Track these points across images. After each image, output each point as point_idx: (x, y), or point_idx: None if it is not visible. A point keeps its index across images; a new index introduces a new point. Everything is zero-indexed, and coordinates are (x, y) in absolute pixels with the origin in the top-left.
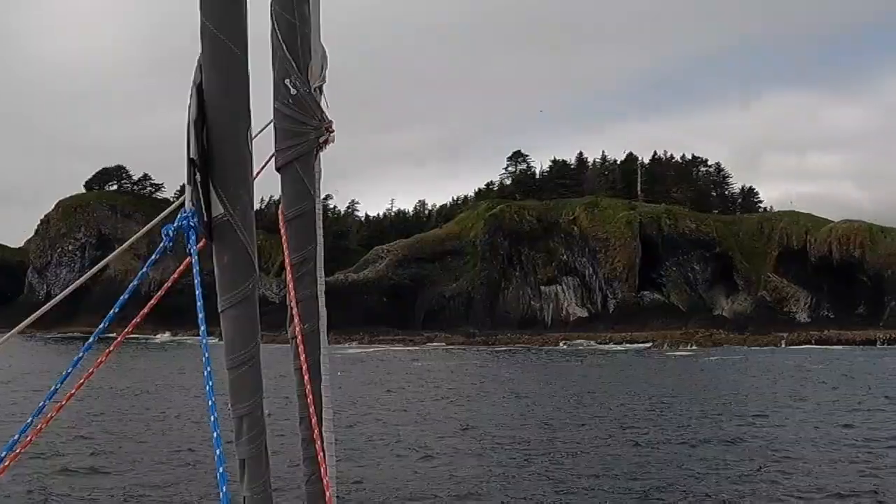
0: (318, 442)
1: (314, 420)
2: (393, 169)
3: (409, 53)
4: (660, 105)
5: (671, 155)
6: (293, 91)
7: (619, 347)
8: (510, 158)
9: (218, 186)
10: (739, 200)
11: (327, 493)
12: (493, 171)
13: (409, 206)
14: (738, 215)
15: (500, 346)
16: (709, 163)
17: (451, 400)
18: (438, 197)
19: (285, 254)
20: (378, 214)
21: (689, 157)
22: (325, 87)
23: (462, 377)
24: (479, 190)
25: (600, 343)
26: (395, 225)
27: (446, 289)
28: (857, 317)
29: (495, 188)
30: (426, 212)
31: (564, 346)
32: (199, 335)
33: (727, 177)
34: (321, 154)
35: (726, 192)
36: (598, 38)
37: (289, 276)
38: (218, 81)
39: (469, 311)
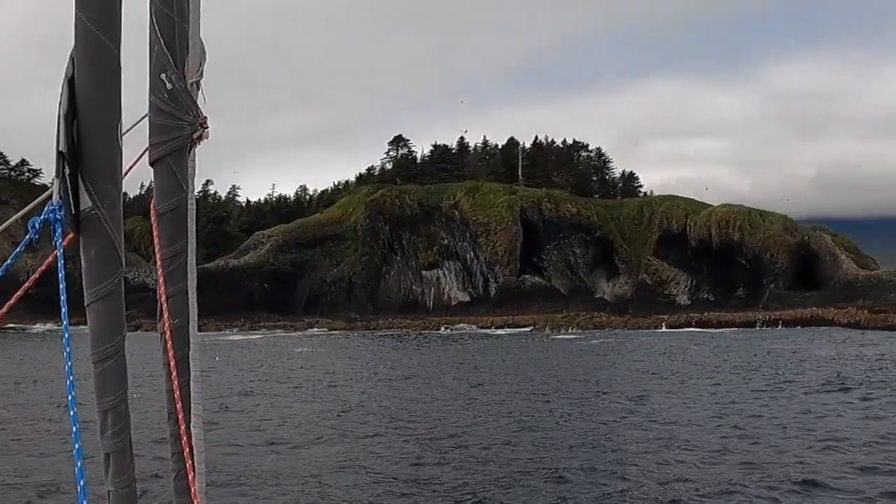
0: (186, 438)
1: (182, 416)
2: (274, 154)
3: (291, 37)
4: (541, 91)
5: (552, 140)
6: (169, 86)
7: (500, 332)
8: (391, 143)
9: (87, 180)
10: (620, 185)
11: (193, 489)
12: (375, 157)
13: (290, 192)
14: (618, 200)
15: (382, 331)
16: (590, 148)
17: (329, 384)
18: (320, 182)
19: (156, 248)
20: (259, 200)
21: (570, 141)
22: (202, 83)
23: (341, 362)
24: (361, 175)
25: (481, 327)
26: (276, 210)
27: (327, 274)
28: (736, 299)
29: (376, 173)
30: (307, 197)
31: (446, 331)
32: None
33: (608, 162)
34: (195, 149)
35: (607, 177)
36: (479, 24)
37: (160, 271)
38: (90, 75)
39: (350, 296)
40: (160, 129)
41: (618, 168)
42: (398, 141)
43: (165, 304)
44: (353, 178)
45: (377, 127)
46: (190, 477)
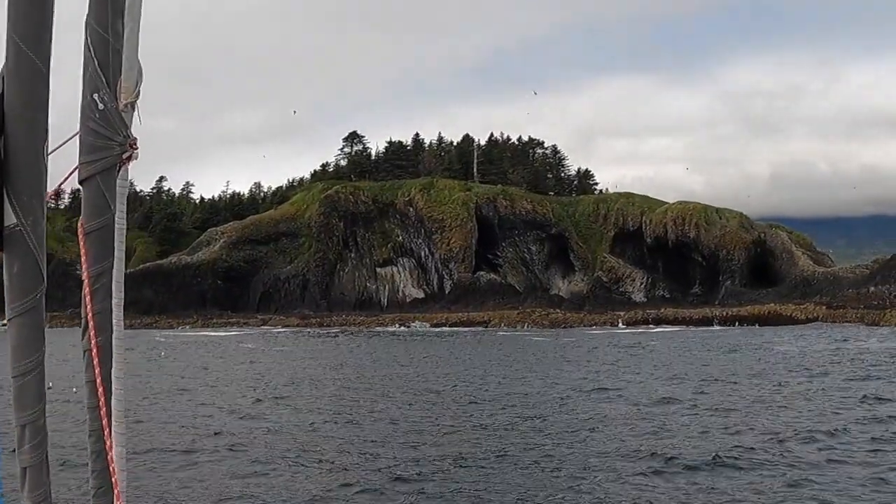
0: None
1: (106, 432)
2: (228, 151)
3: (245, 35)
4: (496, 89)
5: (508, 137)
6: (101, 106)
7: (455, 329)
8: (346, 139)
9: (12, 196)
10: (576, 183)
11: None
12: (330, 153)
13: (244, 189)
14: (574, 197)
15: (335, 328)
16: (545, 145)
17: (272, 384)
18: (275, 180)
19: (83, 266)
20: (213, 196)
21: (525, 139)
22: (138, 104)
23: (290, 361)
24: (315, 171)
25: (435, 325)
26: (231, 207)
27: (281, 271)
28: (692, 296)
29: (331, 169)
30: (262, 194)
31: (402, 328)
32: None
33: (563, 159)
34: (125, 169)
35: (563, 175)
36: (434, 21)
37: (86, 288)
38: (18, 93)
39: (304, 292)
40: (90, 148)
41: (573, 165)
42: (353, 137)
43: (91, 322)
44: (307, 175)
45: (332, 124)
46: (115, 492)
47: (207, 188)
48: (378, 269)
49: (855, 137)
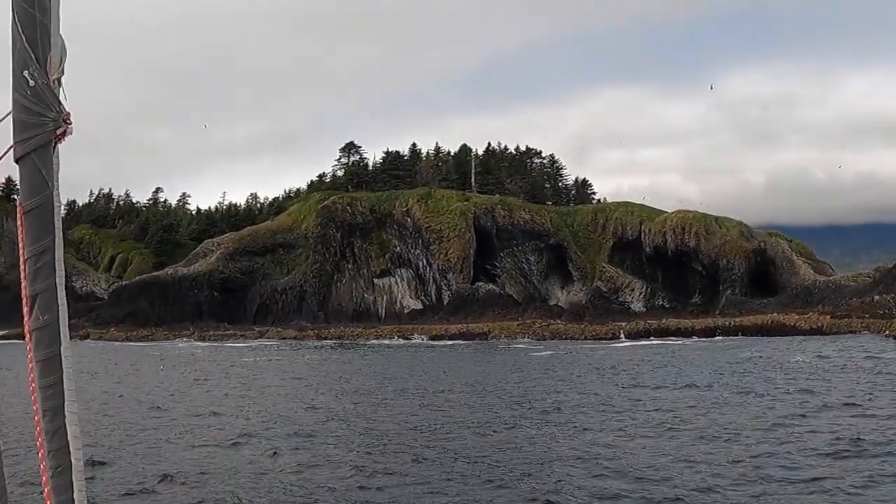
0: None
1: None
2: (226, 163)
3: (242, 47)
4: (493, 100)
5: (505, 146)
6: (31, 83)
7: (454, 342)
8: (343, 150)
9: None
10: (573, 192)
11: (51, 486)
12: (327, 164)
13: (241, 200)
14: (572, 206)
15: (332, 340)
16: (543, 154)
17: (256, 396)
18: (272, 191)
19: (20, 246)
20: (210, 208)
21: (523, 148)
22: (63, 80)
23: (283, 373)
24: (312, 182)
25: (433, 337)
26: (227, 218)
27: (278, 282)
28: (692, 305)
29: (328, 180)
30: (258, 205)
31: (401, 341)
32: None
33: (561, 168)
34: (59, 146)
35: (560, 184)
36: (431, 33)
37: (23, 269)
38: None
39: (302, 304)
40: (23, 125)
41: (571, 175)
42: (350, 147)
43: (31, 303)
44: (304, 186)
45: (330, 135)
46: (53, 474)
47: (204, 199)
48: (376, 280)
49: (850, 146)
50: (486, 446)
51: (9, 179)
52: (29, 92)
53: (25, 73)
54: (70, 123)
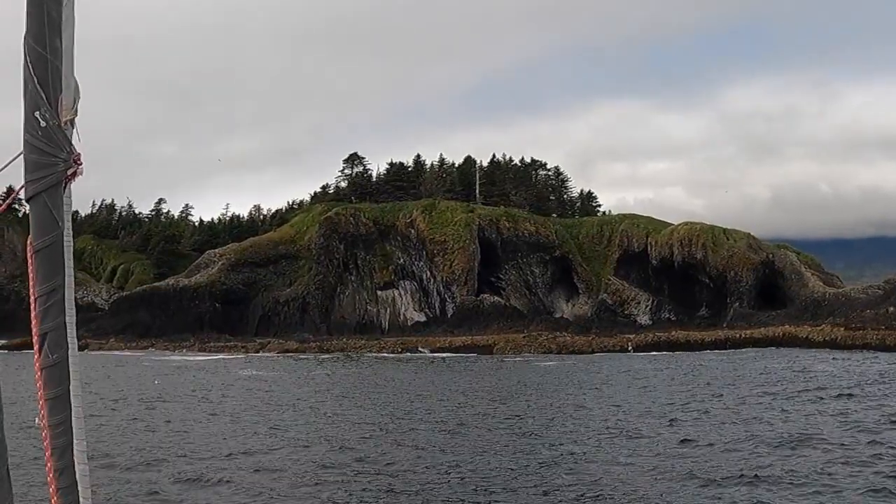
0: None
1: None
2: (230, 175)
3: (246, 60)
4: (497, 114)
5: (510, 158)
6: (42, 123)
7: (462, 355)
8: (346, 161)
9: None
10: (578, 204)
11: None
12: (330, 176)
13: (244, 212)
14: (577, 218)
15: (334, 352)
16: (548, 166)
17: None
18: (275, 203)
19: (31, 284)
20: (212, 219)
21: (527, 160)
22: (76, 121)
23: (283, 386)
24: (315, 193)
25: (436, 350)
26: (230, 230)
27: (280, 294)
28: (698, 318)
29: (331, 191)
30: (261, 216)
31: (406, 353)
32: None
33: (566, 180)
34: (70, 186)
35: (565, 196)
36: (434, 47)
37: (34, 307)
38: None
39: (304, 316)
40: (34, 165)
41: (576, 187)
42: (353, 159)
43: (41, 340)
44: (307, 198)
45: (333, 148)
46: None
47: (207, 211)
48: (379, 292)
49: (853, 159)
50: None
51: (9, 189)
52: (40, 133)
53: (37, 113)
54: (81, 164)
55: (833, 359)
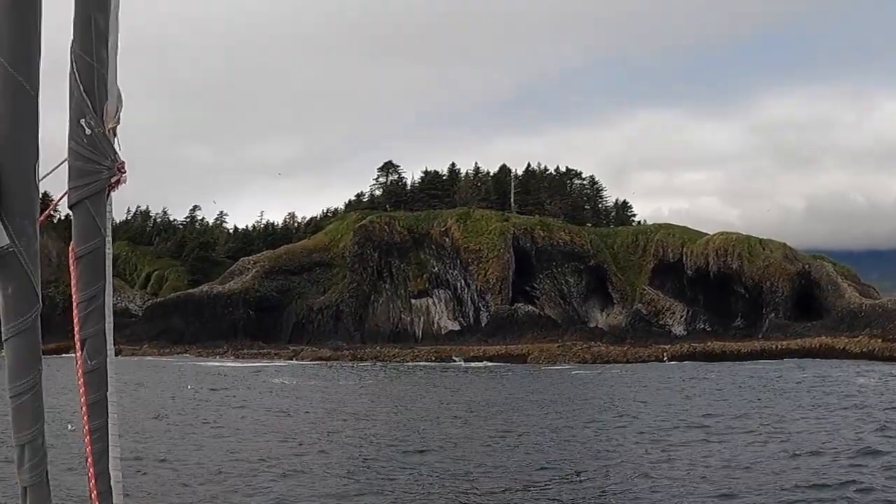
0: (96, 481)
1: (97, 456)
2: (265, 182)
3: (282, 67)
4: (532, 122)
5: (545, 167)
6: (88, 131)
7: (492, 364)
8: (381, 169)
9: (5, 218)
10: (613, 214)
11: None
12: (365, 184)
13: (278, 219)
14: (612, 228)
15: (368, 361)
16: (583, 175)
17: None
18: (310, 209)
19: (73, 290)
20: (247, 226)
21: (563, 169)
22: (118, 129)
23: (320, 394)
24: (350, 201)
25: (469, 359)
26: (264, 237)
27: (314, 301)
28: (734, 329)
29: (366, 199)
30: (296, 224)
31: (442, 362)
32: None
33: (601, 190)
34: (113, 194)
35: (600, 206)
36: (470, 53)
37: (75, 313)
38: (7, 117)
39: (338, 324)
40: (78, 173)
41: (611, 196)
42: (388, 167)
43: (82, 346)
44: (342, 206)
45: (368, 155)
46: None
47: (241, 218)
48: (413, 301)
49: (889, 169)
50: None
51: (45, 196)
52: (85, 140)
53: (82, 121)
54: (124, 172)
55: (868, 370)
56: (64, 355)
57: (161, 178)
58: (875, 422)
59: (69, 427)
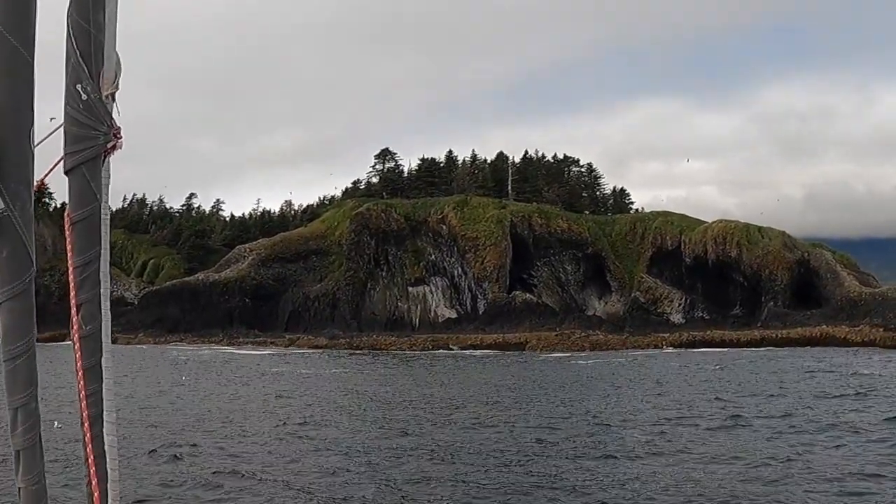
0: (91, 445)
1: (92, 420)
2: (263, 171)
3: (281, 55)
4: (530, 111)
5: (543, 154)
6: (84, 97)
7: (490, 352)
8: (377, 157)
9: (0, 183)
10: (611, 202)
11: (96, 494)
12: (362, 172)
13: (275, 207)
14: (610, 216)
15: (365, 349)
16: (580, 163)
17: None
18: (306, 199)
19: (69, 255)
20: (243, 214)
21: (560, 156)
22: (117, 95)
23: (314, 382)
24: (346, 189)
25: (464, 348)
26: (261, 225)
27: (311, 289)
28: (732, 317)
29: (362, 187)
30: (292, 212)
31: (442, 350)
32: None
33: (599, 177)
34: (110, 159)
35: (598, 193)
36: (469, 42)
37: (71, 279)
38: (4, 82)
39: (334, 312)
40: (74, 138)
41: (609, 184)
42: (385, 154)
43: (77, 311)
44: (338, 194)
45: (367, 145)
46: (94, 482)
47: (238, 206)
48: (410, 289)
49: (888, 159)
50: None
51: (42, 185)
52: (81, 105)
53: (78, 86)
54: (120, 138)
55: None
56: (60, 344)
57: (159, 167)
58: None
59: (56, 425)
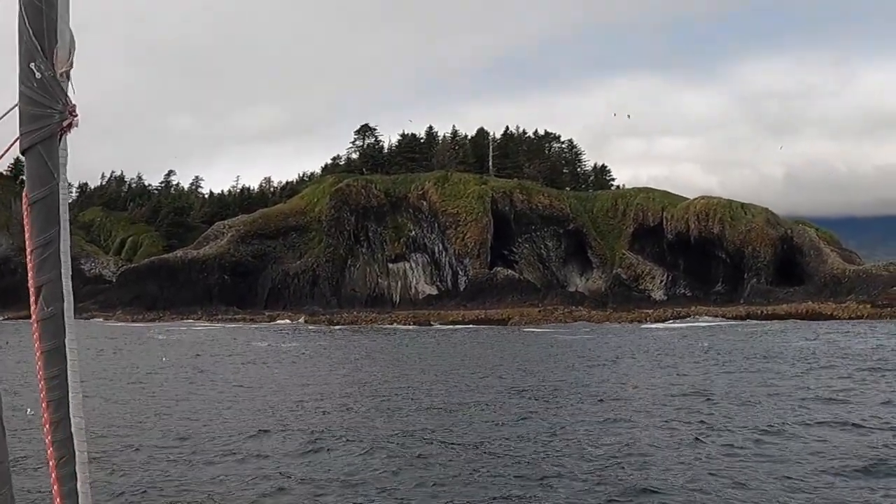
0: (53, 427)
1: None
2: (242, 147)
3: (256, 29)
4: (510, 88)
5: (524, 130)
6: (38, 75)
7: (471, 326)
8: (357, 132)
9: None
10: (592, 178)
11: (53, 475)
12: (342, 148)
13: (255, 184)
14: (591, 192)
15: (344, 325)
16: (561, 139)
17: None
18: (286, 176)
19: (27, 237)
20: (222, 191)
21: (541, 132)
22: (71, 73)
23: (288, 357)
24: (326, 165)
25: (445, 324)
26: (240, 202)
27: (290, 266)
28: (714, 294)
29: (342, 163)
30: (272, 189)
31: (424, 326)
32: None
33: (580, 154)
34: (66, 138)
35: (579, 170)
36: (450, 20)
37: (30, 260)
38: None
39: (314, 289)
40: (30, 117)
41: (590, 160)
42: (365, 130)
43: (36, 293)
44: (318, 170)
45: (347, 122)
46: (52, 463)
47: (217, 184)
48: (390, 265)
49: (869, 138)
50: None
51: (17, 161)
52: (35, 84)
53: (32, 65)
54: (76, 116)
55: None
56: None
57: (140, 147)
58: None
59: (28, 412)
